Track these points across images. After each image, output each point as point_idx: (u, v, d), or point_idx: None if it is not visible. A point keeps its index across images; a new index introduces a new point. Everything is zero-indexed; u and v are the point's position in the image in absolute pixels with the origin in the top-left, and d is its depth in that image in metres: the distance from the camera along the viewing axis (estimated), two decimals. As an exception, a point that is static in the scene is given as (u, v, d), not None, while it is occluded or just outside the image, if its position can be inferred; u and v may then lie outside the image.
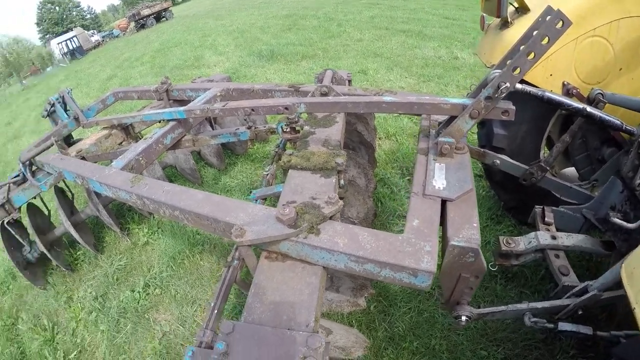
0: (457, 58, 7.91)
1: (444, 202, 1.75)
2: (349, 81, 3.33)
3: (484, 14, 2.99)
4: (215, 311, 1.98)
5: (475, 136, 3.38)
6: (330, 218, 1.66)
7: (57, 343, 3.41)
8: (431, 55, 8.31)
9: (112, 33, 46.14)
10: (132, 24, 40.95)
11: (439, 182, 1.83)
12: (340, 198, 2.01)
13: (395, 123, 5.40)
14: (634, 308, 1.28)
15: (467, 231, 1.57)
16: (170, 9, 40.08)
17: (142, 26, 37.68)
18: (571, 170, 3.35)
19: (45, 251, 3.68)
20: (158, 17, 38.39)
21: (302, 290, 1.53)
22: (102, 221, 4.03)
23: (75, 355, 3.23)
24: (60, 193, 3.89)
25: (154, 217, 4.42)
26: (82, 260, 4.16)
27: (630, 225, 2.19)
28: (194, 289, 3.48)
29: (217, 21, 20.48)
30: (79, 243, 3.88)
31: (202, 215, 1.92)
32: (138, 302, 3.49)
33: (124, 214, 4.62)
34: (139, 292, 3.58)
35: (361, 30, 11.46)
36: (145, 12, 37.72)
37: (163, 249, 4.01)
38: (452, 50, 8.41)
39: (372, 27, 11.70)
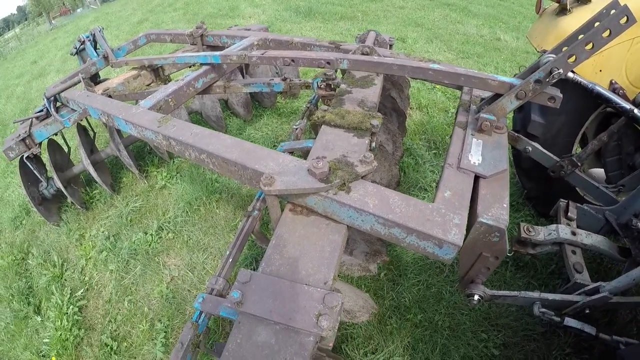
0: (499, 39, 7.66)
1: (476, 178, 1.73)
2: (391, 45, 3.25)
3: None
4: (230, 260, 2.00)
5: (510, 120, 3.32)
6: (362, 178, 1.64)
7: (65, 280, 3.46)
8: (473, 32, 8.06)
9: (148, -23, 45.30)
10: (168, -31, 40.15)
11: (474, 157, 1.79)
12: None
13: (428, 95, 5.29)
14: None
15: (496, 210, 1.55)
16: (210, -45, 39.06)
17: (179, -28, 36.99)
18: (599, 172, 3.30)
19: (62, 188, 3.69)
20: None
21: (324, 247, 1.53)
22: (122, 162, 4.05)
23: (82, 293, 3.29)
24: (82, 131, 3.89)
25: (173, 161, 4.43)
26: (98, 200, 4.18)
27: None
28: (207, 237, 3.50)
29: (257, -28, 19.98)
30: (96, 182, 3.91)
31: (230, 160, 1.91)
32: (150, 245, 3.52)
33: (144, 157, 4.62)
34: (151, 234, 3.60)
35: (404, -2, 11.13)
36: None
37: (180, 193, 4.01)
38: (495, 30, 8.14)
39: (417, -4, 11.34)
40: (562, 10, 2.71)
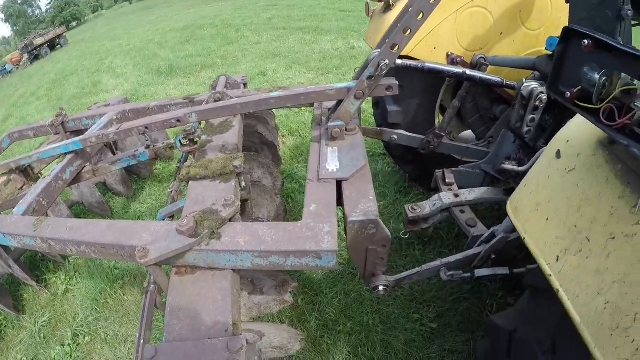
0: (353, 48, 8.16)
1: (339, 183, 1.80)
2: (245, 84, 3.33)
3: (368, 1, 3.08)
4: (142, 341, 1.94)
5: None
6: (230, 220, 1.67)
7: None
8: (328, 48, 8.52)
9: (5, 69, 41.32)
10: (26, 56, 37.38)
11: (332, 165, 1.88)
12: (245, 200, 2.03)
13: (297, 119, 5.46)
14: (524, 238, 1.38)
15: (363, 205, 1.63)
16: (64, 34, 37.24)
17: (36, 57, 34.48)
18: (468, 133, 3.56)
19: (-37, 327, 3.33)
20: (52, 45, 35.39)
21: (216, 298, 1.53)
22: (17, 278, 3.74)
23: None
24: (-32, 257, 3.56)
25: (68, 260, 4.17)
26: (5, 326, 3.77)
27: (521, 169, 2.39)
28: (123, 327, 3.31)
29: (113, 42, 19.59)
30: (-2, 308, 3.58)
31: (107, 244, 1.85)
32: (71, 356, 3.25)
33: (38, 265, 4.28)
34: (69, 344, 3.33)
35: (259, 33, 11.52)
36: (39, 41, 34.53)
37: (84, 292, 3.78)
38: (348, 41, 8.68)
39: (270, 29, 11.80)
40: (388, 7, 2.87)
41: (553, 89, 1.31)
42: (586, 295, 1.09)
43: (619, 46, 1.03)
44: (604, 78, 1.08)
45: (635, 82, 1.03)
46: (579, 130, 1.30)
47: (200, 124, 2.60)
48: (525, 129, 2.40)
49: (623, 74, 1.06)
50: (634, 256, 0.99)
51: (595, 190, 1.15)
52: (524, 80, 2.39)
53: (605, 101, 1.08)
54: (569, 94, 1.19)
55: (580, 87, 1.17)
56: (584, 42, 1.11)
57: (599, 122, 1.10)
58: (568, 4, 2.39)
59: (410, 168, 3.42)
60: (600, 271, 1.07)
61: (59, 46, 35.49)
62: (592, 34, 1.11)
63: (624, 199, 1.06)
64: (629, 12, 2.12)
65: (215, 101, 2.58)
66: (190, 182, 2.02)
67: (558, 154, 1.33)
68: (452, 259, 2.14)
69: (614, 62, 1.07)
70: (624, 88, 1.05)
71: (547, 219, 1.29)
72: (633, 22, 2.37)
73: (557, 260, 1.20)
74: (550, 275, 1.20)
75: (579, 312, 1.09)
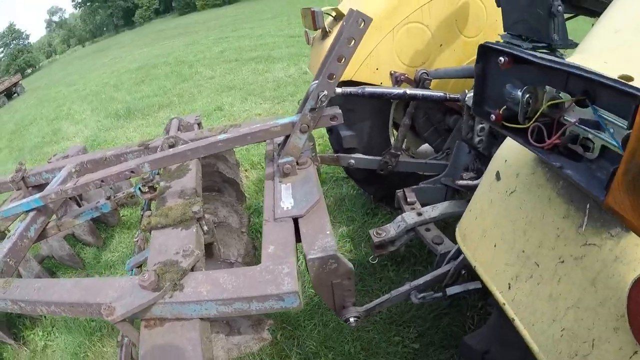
0: (306, 73, 8.28)
1: (296, 220, 1.80)
2: (199, 124, 3.34)
3: (306, 29, 3.06)
4: (119, 398, 1.91)
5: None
6: (193, 269, 1.67)
7: None
8: (282, 76, 8.65)
9: (-38, 122, 40.51)
10: (-17, 108, 36.30)
11: (286, 202, 1.88)
12: (210, 244, 2.03)
13: (257, 151, 5.47)
14: (475, 266, 1.34)
15: (321, 241, 1.63)
16: (20, 82, 36.26)
17: (-6, 107, 33.76)
18: (426, 147, 3.60)
19: None
20: (9, 93, 34.19)
21: (186, 348, 1.53)
22: (-6, 337, 3.61)
23: None
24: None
25: (44, 316, 4.05)
26: (-15, 391, 3.67)
27: (476, 182, 2.40)
28: (105, 382, 3.20)
29: (69, 87, 19.26)
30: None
31: (75, 303, 1.83)
32: (54, 418, 3.14)
33: (15, 322, 4.15)
34: (52, 404, 3.22)
35: (212, 67, 11.60)
36: (-6, 90, 33.84)
37: (63, 347, 3.64)
38: (300, 66, 8.84)
39: (223, 62, 11.89)
40: (326, 34, 2.87)
41: (478, 111, 1.24)
42: (542, 323, 1.04)
43: (536, 60, 0.95)
44: (527, 95, 0.99)
45: (562, 94, 0.95)
46: (515, 148, 1.22)
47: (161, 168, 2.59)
48: (477, 139, 2.38)
49: (548, 87, 0.97)
50: (584, 279, 0.94)
51: (538, 211, 1.10)
52: (466, 91, 2.39)
53: (533, 119, 0.99)
54: (494, 116, 1.11)
55: (505, 106, 1.08)
56: (500, 60, 1.02)
57: (527, 144, 1.02)
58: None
59: (374, 189, 3.42)
60: (553, 297, 1.02)
61: (15, 94, 34.55)
62: (508, 49, 1.03)
63: (569, 219, 1.00)
64: (560, 7, 2.14)
65: (170, 146, 2.58)
66: (153, 232, 2.01)
67: (497, 176, 1.29)
68: (421, 280, 2.10)
69: (537, 76, 0.99)
70: (550, 102, 0.97)
71: (495, 246, 1.24)
72: (566, 16, 2.45)
73: (509, 288, 1.16)
74: (504, 304, 1.16)
75: (536, 341, 1.05)
